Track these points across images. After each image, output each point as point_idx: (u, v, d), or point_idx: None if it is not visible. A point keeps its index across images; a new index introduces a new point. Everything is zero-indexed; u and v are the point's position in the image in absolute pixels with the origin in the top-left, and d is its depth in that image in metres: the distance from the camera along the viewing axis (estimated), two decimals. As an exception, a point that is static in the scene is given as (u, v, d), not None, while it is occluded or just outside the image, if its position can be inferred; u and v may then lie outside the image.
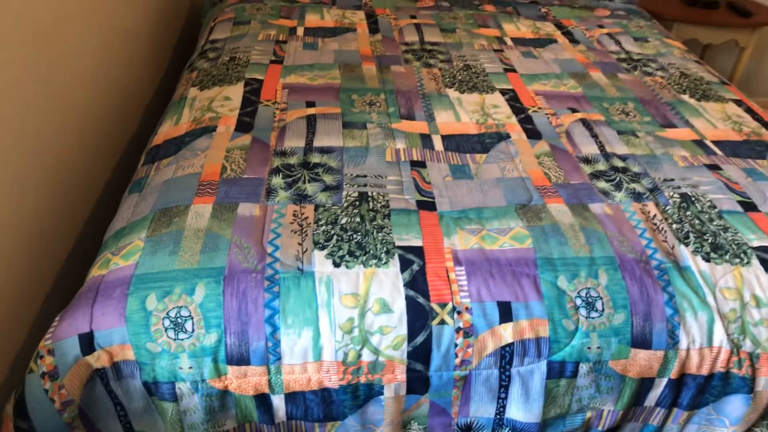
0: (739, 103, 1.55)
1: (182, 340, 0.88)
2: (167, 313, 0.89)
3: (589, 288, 0.98)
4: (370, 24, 1.86)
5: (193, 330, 0.89)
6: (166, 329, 0.88)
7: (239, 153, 1.19)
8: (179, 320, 0.89)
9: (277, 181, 1.13)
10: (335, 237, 1.00)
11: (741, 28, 2.43)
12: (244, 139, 1.24)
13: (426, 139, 1.30)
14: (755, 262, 1.03)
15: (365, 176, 1.17)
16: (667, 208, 1.14)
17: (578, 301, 0.97)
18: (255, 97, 1.40)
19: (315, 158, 1.20)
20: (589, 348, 0.96)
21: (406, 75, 1.57)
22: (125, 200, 1.12)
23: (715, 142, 1.37)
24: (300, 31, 1.77)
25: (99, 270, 0.94)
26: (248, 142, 1.23)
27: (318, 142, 1.25)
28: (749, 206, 1.16)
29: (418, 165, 1.22)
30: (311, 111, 1.37)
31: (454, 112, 1.41)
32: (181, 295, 0.90)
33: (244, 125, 1.29)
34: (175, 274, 0.92)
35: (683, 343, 0.97)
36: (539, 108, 1.45)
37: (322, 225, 1.03)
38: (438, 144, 1.29)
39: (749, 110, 1.52)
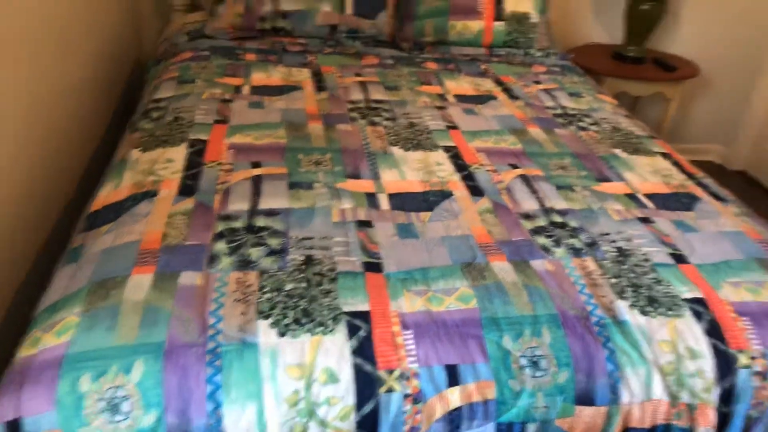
0: (666, 156, 1.64)
1: (118, 422, 0.84)
2: (102, 394, 0.85)
3: (533, 347, 1.00)
4: (316, 82, 1.89)
5: (130, 410, 0.85)
6: (100, 412, 0.84)
7: (182, 218, 1.17)
8: (115, 401, 0.85)
9: (221, 246, 1.11)
10: (280, 305, 0.99)
11: (666, 82, 2.60)
12: (187, 203, 1.22)
13: (372, 199, 1.32)
14: (687, 314, 1.08)
15: (311, 238, 1.16)
16: (605, 262, 1.18)
17: (523, 361, 0.98)
18: (199, 158, 1.39)
19: (260, 221, 1.19)
20: (535, 408, 0.97)
21: (352, 133, 1.59)
22: (59, 271, 1.08)
23: (646, 195, 1.43)
24: (246, 89, 1.79)
25: (28, 350, 0.90)
26: (191, 207, 1.21)
27: (263, 204, 1.25)
28: (680, 258, 1.21)
29: (364, 225, 1.23)
30: (257, 172, 1.37)
31: (399, 171, 1.44)
32: (117, 373, 0.86)
33: (187, 188, 1.27)
34: (112, 351, 0.88)
35: (625, 398, 0.99)
36: (481, 165, 1.50)
37: (266, 292, 1.01)
38: (384, 203, 1.31)
39: (676, 163, 1.61)
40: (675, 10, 2.78)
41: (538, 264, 1.16)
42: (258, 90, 1.79)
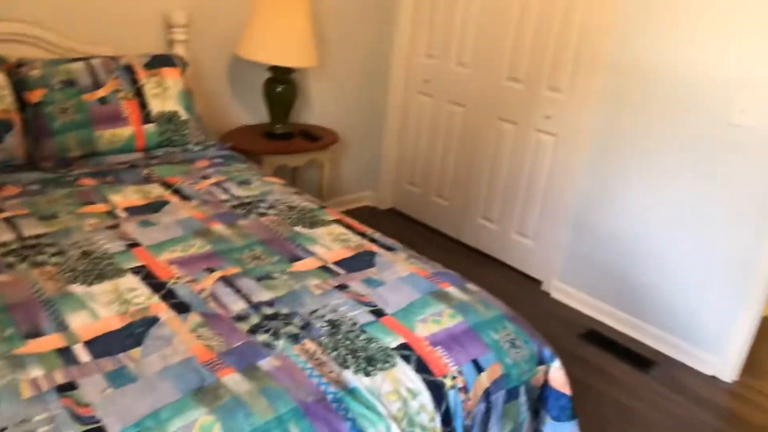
0: (339, 222, 1.87)
1: None
2: None
3: (286, 448, 1.02)
4: (-57, 231, 1.56)
5: None
6: None
7: None
8: None
9: None
10: None
11: (315, 151, 2.95)
12: None
13: (66, 354, 1.16)
14: (399, 360, 1.25)
15: (4, 429, 0.96)
16: (322, 339, 1.29)
17: (283, 466, 1.00)
18: None
19: None
20: (307, 506, 0.99)
21: (15, 283, 1.37)
22: None
23: (335, 263, 1.61)
24: None
25: None
26: None
27: None
28: (378, 313, 1.40)
29: (67, 389, 1.07)
30: None
31: (90, 311, 1.30)
32: None
33: None
34: None
35: (377, 457, 1.10)
36: (178, 278, 1.46)
37: None
38: (82, 354, 1.16)
39: (349, 227, 1.85)
40: (305, 90, 3.19)
41: (266, 363, 1.19)
42: None
